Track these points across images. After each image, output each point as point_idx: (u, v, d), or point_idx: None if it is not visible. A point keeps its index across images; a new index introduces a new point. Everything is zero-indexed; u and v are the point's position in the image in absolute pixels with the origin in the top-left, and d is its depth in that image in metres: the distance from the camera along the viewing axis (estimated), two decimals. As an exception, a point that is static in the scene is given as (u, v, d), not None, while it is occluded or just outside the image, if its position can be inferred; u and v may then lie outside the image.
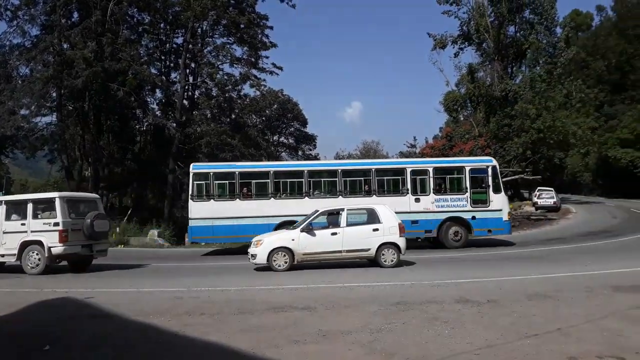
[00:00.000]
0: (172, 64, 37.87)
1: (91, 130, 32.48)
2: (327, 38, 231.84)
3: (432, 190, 16.93)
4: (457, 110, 47.10)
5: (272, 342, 5.84)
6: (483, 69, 40.78)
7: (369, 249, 12.31)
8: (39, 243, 12.40)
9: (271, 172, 17.26)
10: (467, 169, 17.16)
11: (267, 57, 36.27)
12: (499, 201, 16.90)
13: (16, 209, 12.94)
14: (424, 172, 17.24)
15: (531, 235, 21.90)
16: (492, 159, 18.70)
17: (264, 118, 52.00)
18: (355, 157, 57.81)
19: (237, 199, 16.88)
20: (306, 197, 16.81)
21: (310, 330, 6.33)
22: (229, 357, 5.52)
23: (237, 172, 17.25)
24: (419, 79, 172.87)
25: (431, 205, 16.83)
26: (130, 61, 29.61)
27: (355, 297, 8.51)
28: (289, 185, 17.47)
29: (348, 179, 17.46)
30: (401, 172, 17.35)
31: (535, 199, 35.84)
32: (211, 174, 17.15)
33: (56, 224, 12.40)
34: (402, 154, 54.82)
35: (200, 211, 16.65)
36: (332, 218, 12.63)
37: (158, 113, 35.41)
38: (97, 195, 15.64)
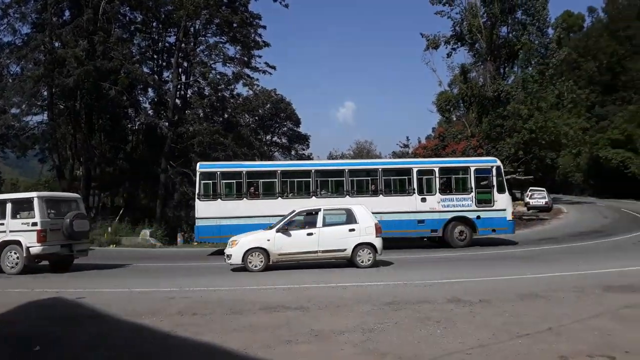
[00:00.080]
0: (164, 63, 37.64)
1: (83, 130, 32.19)
2: (320, 38, 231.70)
3: (438, 190, 17.04)
4: (449, 110, 47.25)
5: (265, 342, 5.84)
6: (475, 70, 40.85)
7: (345, 249, 12.28)
8: (18, 243, 12.30)
9: (278, 171, 17.23)
10: (472, 169, 17.31)
11: (260, 57, 36.31)
12: (503, 201, 17.07)
13: None
14: (430, 172, 17.33)
15: (523, 235, 22.00)
16: (497, 159, 18.83)
17: (256, 117, 51.73)
18: (348, 157, 57.78)
19: (244, 199, 16.81)
20: (313, 197, 16.80)
21: (302, 330, 6.33)
22: (221, 357, 5.51)
23: (244, 172, 17.19)
24: (412, 80, 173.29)
25: (437, 205, 16.92)
26: (122, 60, 29.36)
27: (347, 297, 8.52)
28: (296, 185, 17.44)
29: (355, 178, 17.46)
30: (407, 172, 17.43)
31: (527, 199, 36.11)
32: (218, 173, 17.08)
33: (34, 224, 12.30)
34: (395, 154, 55.00)
35: (207, 211, 16.56)
36: (309, 218, 12.59)
37: (150, 112, 35.20)
38: (78, 195, 15.42)
